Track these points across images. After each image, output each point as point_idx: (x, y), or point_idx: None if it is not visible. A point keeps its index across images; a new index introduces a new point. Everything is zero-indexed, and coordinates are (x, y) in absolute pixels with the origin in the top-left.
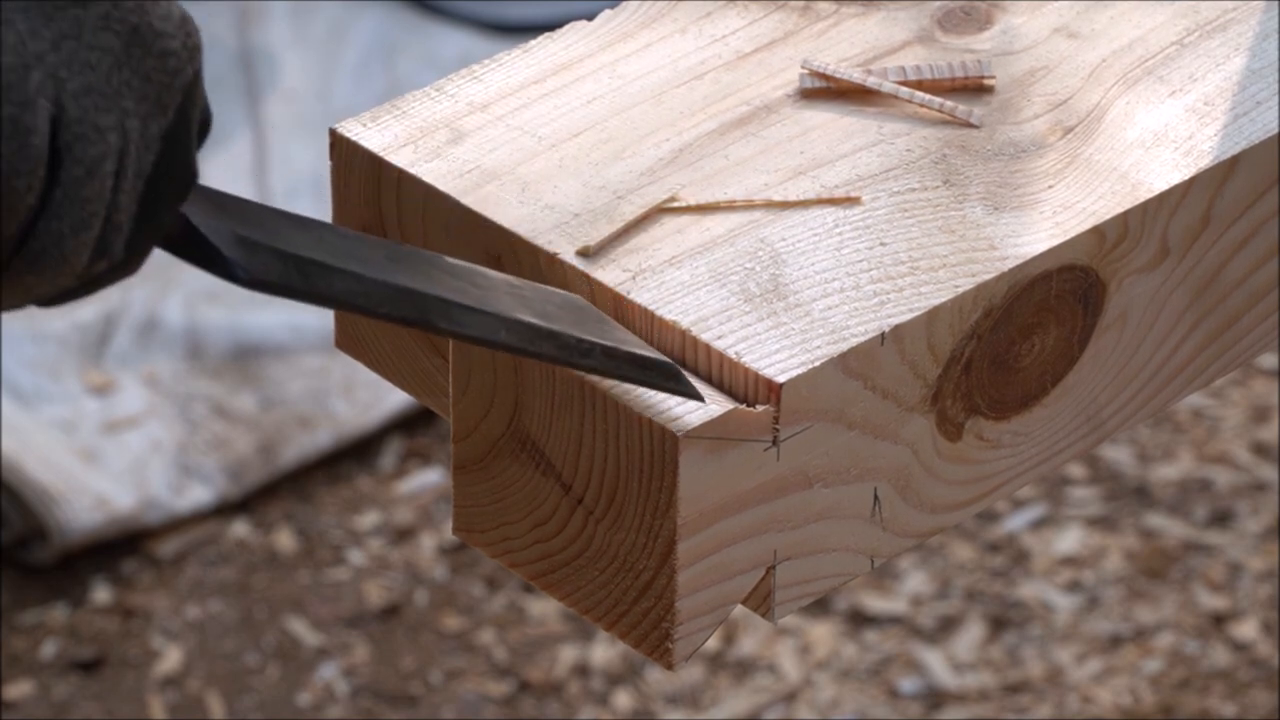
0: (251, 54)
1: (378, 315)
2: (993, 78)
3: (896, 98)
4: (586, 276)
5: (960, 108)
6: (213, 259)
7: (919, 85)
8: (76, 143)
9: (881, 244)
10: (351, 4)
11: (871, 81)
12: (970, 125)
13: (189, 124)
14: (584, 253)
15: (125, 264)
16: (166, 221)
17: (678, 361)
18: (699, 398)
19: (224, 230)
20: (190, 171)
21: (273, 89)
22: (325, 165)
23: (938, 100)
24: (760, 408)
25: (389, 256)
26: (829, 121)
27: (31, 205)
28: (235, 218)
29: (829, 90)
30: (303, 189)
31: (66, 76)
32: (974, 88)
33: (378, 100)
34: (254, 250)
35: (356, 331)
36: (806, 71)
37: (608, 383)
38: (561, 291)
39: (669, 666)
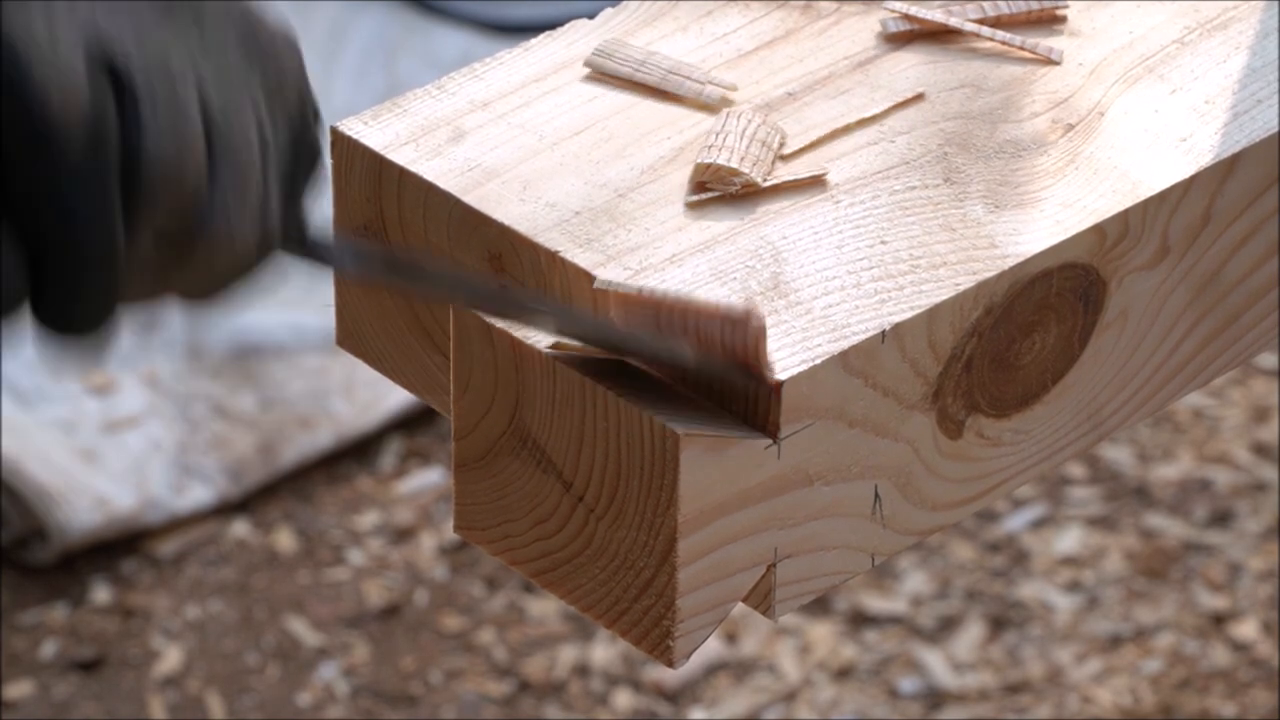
0: None
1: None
2: (1066, 6)
3: (979, 36)
4: (587, 275)
5: (1041, 44)
6: (325, 250)
7: (997, 22)
8: (223, 120)
9: (882, 242)
10: (351, 4)
11: (954, 22)
12: (1052, 62)
13: (306, 105)
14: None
15: (281, 239)
16: (305, 197)
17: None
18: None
19: (339, 237)
20: (317, 148)
21: None
22: (325, 164)
23: (1018, 39)
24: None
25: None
26: (830, 120)
27: (203, 179)
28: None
29: (911, 33)
30: None
31: (200, 62)
32: (1048, 19)
33: (378, 99)
34: (364, 252)
35: (357, 329)
36: (890, 14)
37: (608, 381)
38: None
39: (670, 664)
